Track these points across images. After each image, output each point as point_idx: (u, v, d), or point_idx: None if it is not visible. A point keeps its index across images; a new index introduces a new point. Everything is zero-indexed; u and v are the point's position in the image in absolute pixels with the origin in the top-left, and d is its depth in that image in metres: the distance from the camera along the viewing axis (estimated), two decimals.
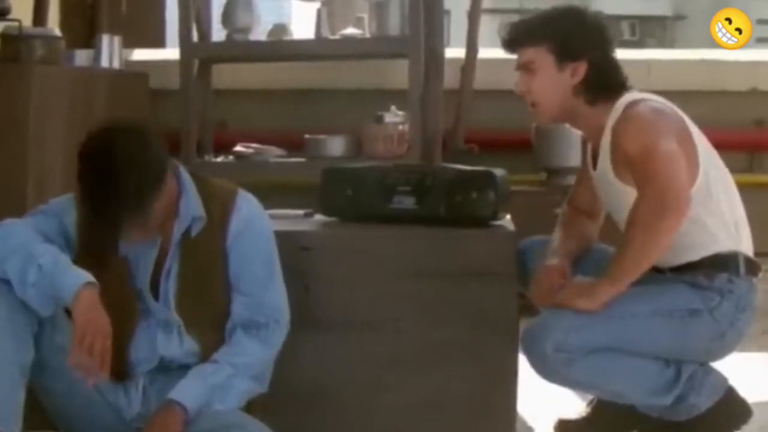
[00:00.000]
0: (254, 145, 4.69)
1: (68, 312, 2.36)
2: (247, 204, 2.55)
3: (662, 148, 2.54)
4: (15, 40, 4.23)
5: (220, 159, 4.71)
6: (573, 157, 4.30)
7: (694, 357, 2.67)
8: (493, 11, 16.66)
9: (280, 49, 4.81)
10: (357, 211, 2.96)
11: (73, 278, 2.31)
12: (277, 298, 2.55)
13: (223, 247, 2.50)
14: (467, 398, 2.76)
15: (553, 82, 2.70)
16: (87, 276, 2.32)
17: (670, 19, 27.62)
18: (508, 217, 2.98)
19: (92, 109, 4.47)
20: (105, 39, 4.81)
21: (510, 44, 2.76)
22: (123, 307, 2.41)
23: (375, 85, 5.12)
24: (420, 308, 2.77)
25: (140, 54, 5.44)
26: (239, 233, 2.51)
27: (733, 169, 2.74)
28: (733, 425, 2.71)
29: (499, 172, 2.90)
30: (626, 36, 26.03)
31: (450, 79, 4.94)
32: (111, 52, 4.78)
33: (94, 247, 2.38)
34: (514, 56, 2.76)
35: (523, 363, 2.69)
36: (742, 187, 2.74)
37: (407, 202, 2.91)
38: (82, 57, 4.73)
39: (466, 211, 2.85)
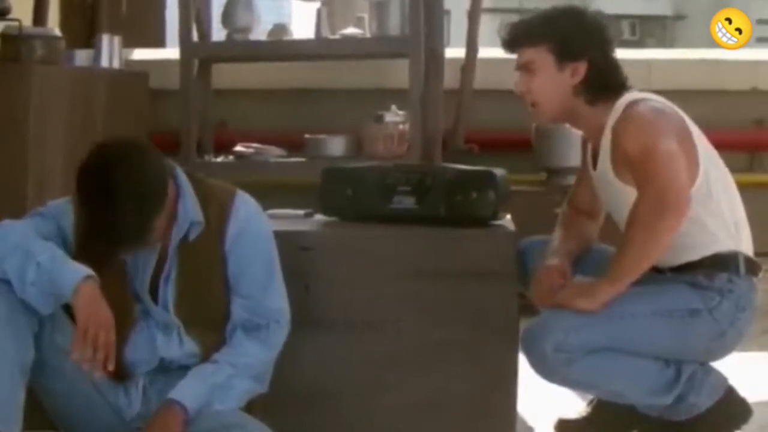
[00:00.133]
0: (254, 145, 4.69)
1: (69, 313, 2.36)
2: (244, 206, 2.54)
3: (662, 147, 2.54)
4: (15, 40, 4.23)
5: (220, 159, 4.70)
6: (573, 157, 4.28)
7: (694, 357, 2.67)
8: (493, 11, 16.65)
9: (280, 49, 4.81)
10: (357, 211, 2.96)
11: (72, 273, 2.31)
12: (277, 299, 2.54)
13: (221, 251, 2.49)
14: (467, 398, 2.76)
15: (553, 82, 2.70)
16: (86, 270, 2.32)
17: (670, 18, 27.63)
18: (508, 217, 2.98)
19: (92, 109, 4.47)
20: (105, 39, 4.80)
21: (510, 44, 2.76)
22: (120, 310, 2.40)
23: (375, 85, 5.12)
24: (420, 308, 2.77)
25: (140, 54, 5.44)
26: (237, 236, 2.50)
27: (733, 169, 2.74)
28: (733, 425, 2.71)
29: (499, 172, 2.90)
30: (626, 36, 26.03)
31: (450, 79, 4.93)
32: (111, 52, 4.77)
33: (91, 257, 2.37)
34: (514, 56, 2.76)
35: (523, 363, 2.69)
36: (742, 187, 2.74)
37: (407, 202, 2.91)
38: (82, 57, 4.72)
39: (466, 211, 2.85)
